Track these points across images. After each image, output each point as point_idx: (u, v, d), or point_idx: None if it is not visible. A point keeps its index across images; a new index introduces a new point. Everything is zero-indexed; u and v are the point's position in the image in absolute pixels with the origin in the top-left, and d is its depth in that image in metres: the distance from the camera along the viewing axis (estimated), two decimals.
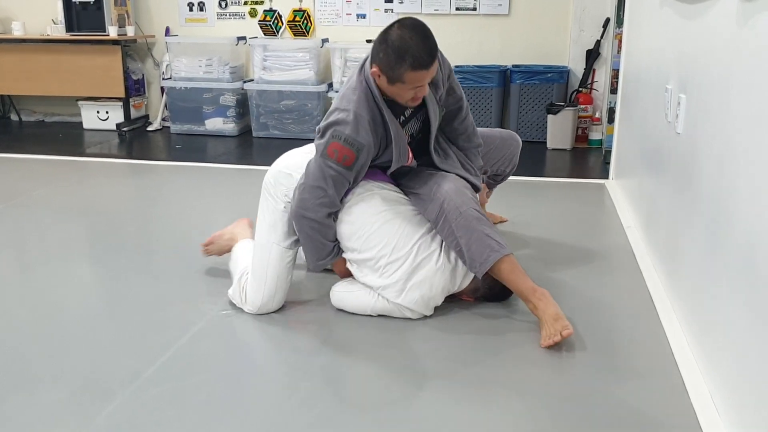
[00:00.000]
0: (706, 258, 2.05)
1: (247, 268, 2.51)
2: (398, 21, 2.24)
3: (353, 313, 2.46)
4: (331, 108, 2.38)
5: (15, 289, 2.74)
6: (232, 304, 2.53)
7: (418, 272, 2.35)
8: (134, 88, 6.33)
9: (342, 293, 2.49)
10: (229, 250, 2.74)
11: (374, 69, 2.26)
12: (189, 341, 2.28)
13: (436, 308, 2.46)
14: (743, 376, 1.69)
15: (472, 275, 2.43)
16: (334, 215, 2.41)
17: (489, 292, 2.51)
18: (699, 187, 2.17)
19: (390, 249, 2.35)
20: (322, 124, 2.36)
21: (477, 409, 1.91)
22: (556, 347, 2.22)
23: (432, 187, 2.43)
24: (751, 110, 1.71)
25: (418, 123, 2.51)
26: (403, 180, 2.57)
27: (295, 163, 2.48)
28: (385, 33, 2.23)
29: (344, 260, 2.51)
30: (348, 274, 2.53)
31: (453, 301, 2.52)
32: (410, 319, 2.41)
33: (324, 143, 2.32)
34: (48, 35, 6.23)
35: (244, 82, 6.01)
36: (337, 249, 2.48)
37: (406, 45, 2.17)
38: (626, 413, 1.89)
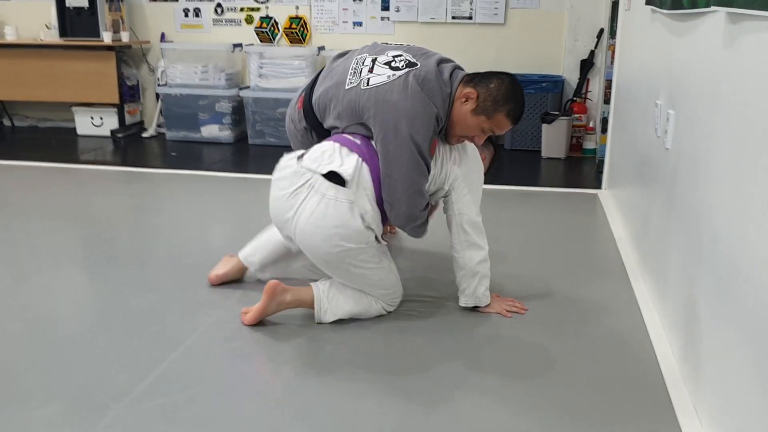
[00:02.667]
0: (691, 273, 2.07)
1: (354, 296, 2.49)
2: (512, 76, 2.47)
3: (347, 327, 2.48)
4: (419, 97, 2.37)
5: (7, 300, 2.74)
6: (224, 320, 2.55)
7: None
8: (129, 94, 6.33)
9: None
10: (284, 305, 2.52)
11: (470, 90, 2.41)
12: (182, 354, 2.29)
13: (423, 318, 2.49)
14: (724, 387, 1.71)
15: None
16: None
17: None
18: (686, 202, 2.20)
19: None
20: (417, 114, 2.37)
21: (467, 422, 1.92)
22: (537, 355, 2.25)
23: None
24: (734, 130, 1.73)
25: None
26: None
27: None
28: (500, 74, 2.46)
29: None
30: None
31: (436, 306, 2.55)
32: (403, 328, 2.43)
33: (429, 142, 2.38)
34: (41, 40, 6.23)
35: (240, 89, 6.02)
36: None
37: (515, 96, 2.42)
38: (611, 423, 1.91)
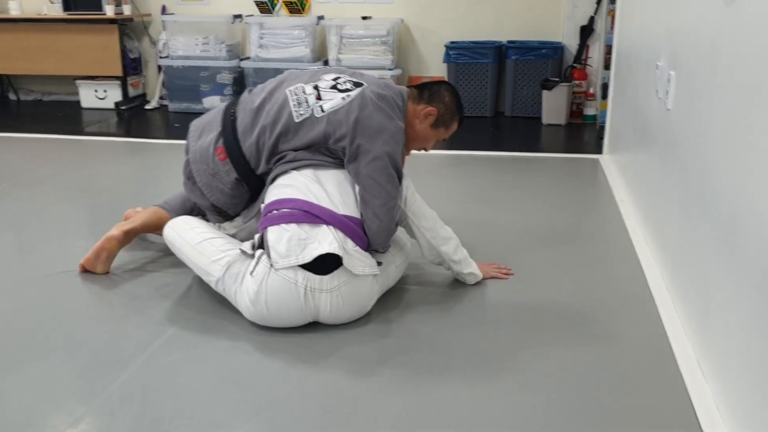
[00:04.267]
0: (692, 230, 2.12)
1: None
2: (450, 84, 2.70)
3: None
4: (384, 113, 2.37)
5: (20, 267, 2.81)
6: None
7: None
8: (132, 66, 6.35)
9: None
10: None
11: (430, 108, 2.54)
12: (197, 312, 2.36)
13: (418, 309, 2.56)
14: (729, 341, 1.77)
15: None
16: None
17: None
18: (687, 162, 2.24)
19: None
20: (386, 129, 2.35)
21: (472, 412, 1.97)
22: (542, 337, 2.31)
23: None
24: (734, 88, 1.77)
25: None
26: None
27: None
28: (441, 84, 2.65)
29: None
30: None
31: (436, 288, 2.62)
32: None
33: (398, 155, 2.39)
34: (45, 14, 6.24)
35: (241, 59, 6.04)
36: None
37: (461, 102, 2.64)
38: (615, 396, 1.97)
